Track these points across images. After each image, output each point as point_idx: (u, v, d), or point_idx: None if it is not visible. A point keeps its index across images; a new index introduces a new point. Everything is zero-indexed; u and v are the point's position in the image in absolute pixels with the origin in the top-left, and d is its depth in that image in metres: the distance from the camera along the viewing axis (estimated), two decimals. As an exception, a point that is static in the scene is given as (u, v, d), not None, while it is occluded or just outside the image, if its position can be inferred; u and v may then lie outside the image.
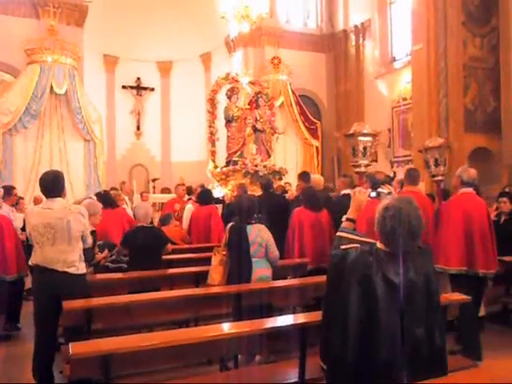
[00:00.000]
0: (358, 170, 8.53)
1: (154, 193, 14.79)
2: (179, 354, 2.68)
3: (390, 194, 2.52)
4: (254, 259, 4.12)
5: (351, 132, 8.62)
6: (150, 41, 15.57)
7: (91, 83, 13.58)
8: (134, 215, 5.86)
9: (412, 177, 5.11)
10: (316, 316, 2.94)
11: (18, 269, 5.37)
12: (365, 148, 8.45)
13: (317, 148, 14.49)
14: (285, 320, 3.17)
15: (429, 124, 10.21)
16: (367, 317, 2.02)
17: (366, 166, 8.56)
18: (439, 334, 2.08)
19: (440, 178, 7.68)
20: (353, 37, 15.23)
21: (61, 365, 3.91)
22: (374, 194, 2.49)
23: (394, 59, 14.23)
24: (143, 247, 4.67)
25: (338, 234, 2.44)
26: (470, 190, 4.66)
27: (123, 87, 16.97)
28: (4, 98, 11.20)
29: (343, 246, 2.26)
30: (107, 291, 4.12)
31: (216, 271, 4.02)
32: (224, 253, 4.06)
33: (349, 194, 5.00)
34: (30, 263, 4.12)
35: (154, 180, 15.69)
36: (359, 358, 2.03)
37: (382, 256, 2.10)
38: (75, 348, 2.40)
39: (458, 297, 3.49)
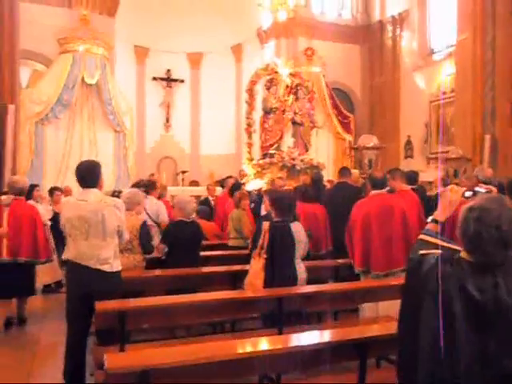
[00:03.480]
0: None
1: (183, 185, 14.65)
2: (224, 367, 2.42)
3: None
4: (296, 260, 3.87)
5: (356, 146, 9.06)
6: (181, 32, 15.36)
7: (122, 74, 13.51)
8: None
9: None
10: (375, 330, 2.64)
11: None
12: (370, 161, 8.99)
13: (349, 142, 14.09)
14: (342, 335, 2.81)
15: (472, 118, 9.70)
16: (441, 336, 1.70)
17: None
18: None
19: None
20: (389, 28, 14.74)
21: (92, 366, 3.72)
22: (468, 194, 2.12)
23: (432, 51, 13.70)
24: (182, 243, 4.42)
25: (420, 236, 2.08)
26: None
27: (153, 79, 16.81)
28: (36, 87, 11.20)
29: (422, 252, 1.93)
30: (141, 289, 3.89)
31: (258, 277, 3.70)
32: (265, 256, 3.73)
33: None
34: (62, 258, 3.93)
35: (182, 172, 15.53)
36: (430, 382, 1.72)
37: (463, 266, 1.76)
38: (111, 361, 2.15)
39: None
